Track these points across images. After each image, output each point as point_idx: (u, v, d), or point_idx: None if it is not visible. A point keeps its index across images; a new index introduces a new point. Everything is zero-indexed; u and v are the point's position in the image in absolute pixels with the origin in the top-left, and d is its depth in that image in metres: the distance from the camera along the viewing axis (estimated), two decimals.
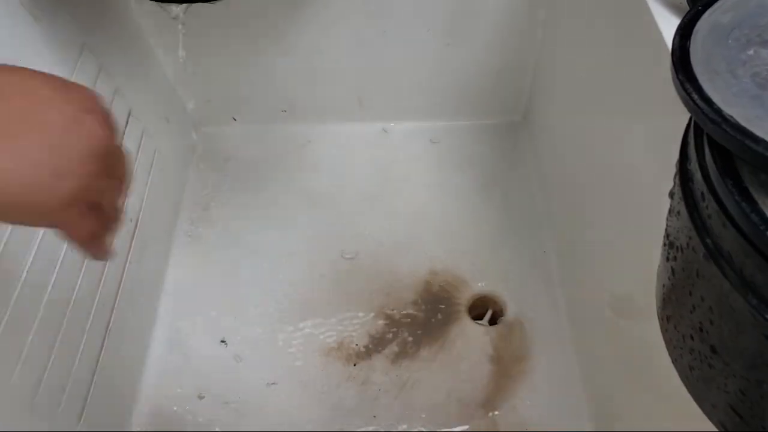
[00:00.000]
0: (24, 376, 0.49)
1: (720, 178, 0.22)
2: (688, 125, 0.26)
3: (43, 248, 0.52)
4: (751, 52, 0.24)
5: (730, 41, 0.24)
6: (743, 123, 0.21)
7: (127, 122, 0.69)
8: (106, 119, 0.30)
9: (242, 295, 0.75)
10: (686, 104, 0.23)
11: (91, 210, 0.30)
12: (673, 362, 0.29)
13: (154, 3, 0.69)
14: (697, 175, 0.23)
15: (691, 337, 0.26)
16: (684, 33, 0.25)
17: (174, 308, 0.75)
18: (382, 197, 0.83)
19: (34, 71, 0.29)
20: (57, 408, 0.53)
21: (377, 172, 0.86)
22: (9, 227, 0.49)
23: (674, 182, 0.27)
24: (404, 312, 0.73)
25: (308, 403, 0.67)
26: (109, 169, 0.30)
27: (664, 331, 0.30)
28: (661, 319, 0.30)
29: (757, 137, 0.21)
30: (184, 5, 0.72)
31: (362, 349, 0.70)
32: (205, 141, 0.91)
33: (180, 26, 0.75)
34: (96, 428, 0.58)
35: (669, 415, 0.45)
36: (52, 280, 0.53)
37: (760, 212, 0.20)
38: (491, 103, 0.88)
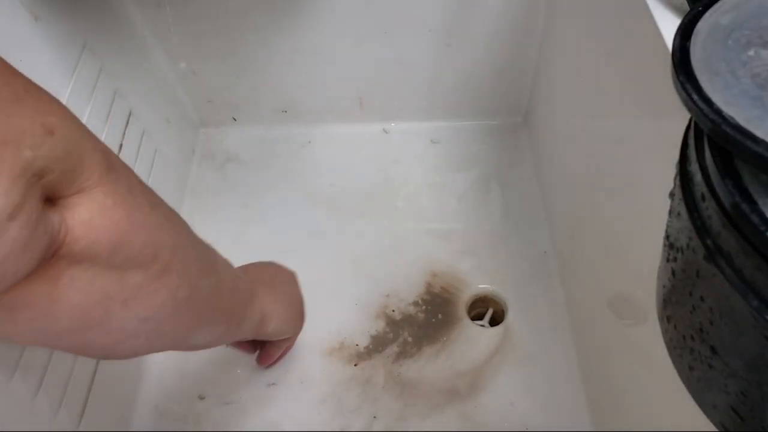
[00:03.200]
0: (24, 377, 0.49)
1: (720, 179, 0.22)
2: (689, 126, 0.26)
3: None
4: (751, 52, 0.24)
5: (730, 42, 0.24)
6: (743, 124, 0.21)
7: (127, 123, 0.69)
8: (296, 278, 0.65)
9: None
10: (686, 105, 0.23)
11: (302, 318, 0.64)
12: (673, 362, 0.29)
13: (155, 4, 0.69)
14: (698, 176, 0.23)
15: (692, 338, 0.26)
16: (684, 34, 0.25)
17: None
18: (383, 197, 0.83)
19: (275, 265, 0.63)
20: (57, 409, 0.53)
21: (377, 172, 0.86)
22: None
23: (674, 183, 0.27)
24: (405, 312, 0.73)
25: (309, 403, 0.67)
26: (303, 300, 0.65)
27: (664, 331, 0.30)
28: (661, 320, 0.30)
29: (757, 138, 0.21)
30: None
31: (363, 350, 0.70)
32: (205, 141, 0.91)
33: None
34: (96, 428, 0.58)
35: (669, 415, 0.45)
36: None
37: (760, 213, 0.20)
38: (492, 104, 0.88)
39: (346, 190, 0.84)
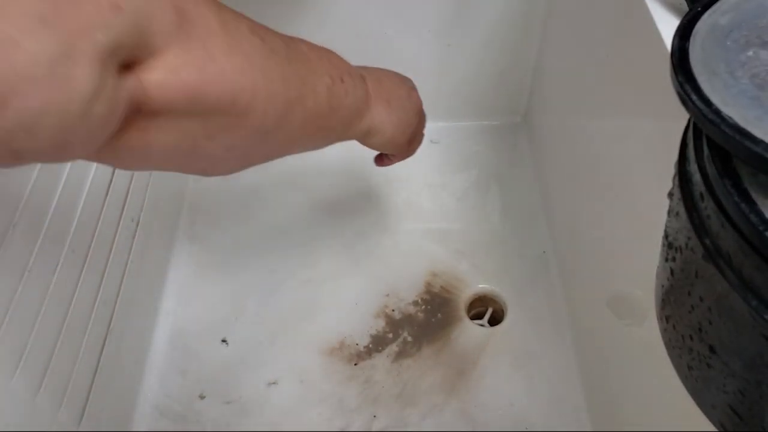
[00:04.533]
0: (25, 376, 0.49)
1: (719, 179, 0.22)
2: (687, 126, 0.26)
3: (44, 248, 0.52)
4: (750, 53, 0.24)
5: (729, 42, 0.24)
6: (742, 124, 0.21)
7: None
8: (417, 93, 0.55)
9: (243, 294, 0.76)
10: (685, 105, 0.23)
11: (410, 143, 0.55)
12: (672, 362, 0.29)
13: None
14: (696, 176, 0.24)
15: (690, 337, 0.26)
16: (683, 34, 0.25)
17: (175, 308, 0.75)
18: (382, 197, 0.84)
19: (383, 69, 0.54)
20: (58, 408, 0.53)
21: (377, 172, 0.86)
22: (9, 229, 0.49)
23: (673, 183, 0.27)
24: (405, 312, 0.73)
25: (309, 402, 0.67)
26: (422, 120, 0.56)
27: (663, 331, 0.30)
28: (660, 319, 0.30)
29: (756, 138, 0.21)
30: None
31: (363, 349, 0.70)
32: None
33: None
34: (97, 428, 0.58)
35: (669, 415, 0.46)
36: (54, 280, 0.53)
37: (759, 213, 0.20)
38: (491, 104, 0.89)
39: (346, 190, 0.84)
